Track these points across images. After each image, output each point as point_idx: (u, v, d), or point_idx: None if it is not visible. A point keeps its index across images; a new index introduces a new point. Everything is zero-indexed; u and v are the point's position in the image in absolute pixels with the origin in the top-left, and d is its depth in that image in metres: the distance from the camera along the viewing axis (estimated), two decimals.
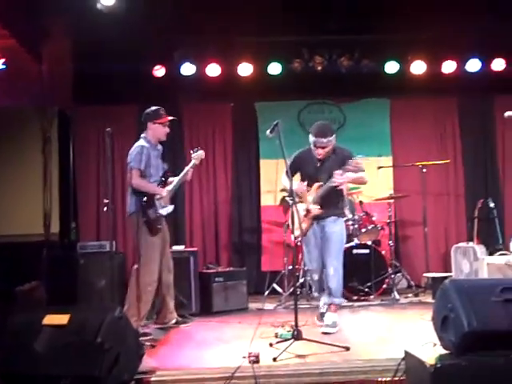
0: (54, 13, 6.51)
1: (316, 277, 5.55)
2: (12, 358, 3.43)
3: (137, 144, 5.49)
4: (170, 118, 5.58)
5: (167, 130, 5.58)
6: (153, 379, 3.70)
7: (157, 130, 5.52)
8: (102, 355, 3.29)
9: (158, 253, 5.42)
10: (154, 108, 5.58)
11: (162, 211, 5.43)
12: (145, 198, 5.33)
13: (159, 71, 7.95)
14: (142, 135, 5.57)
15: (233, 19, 6.91)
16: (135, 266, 5.41)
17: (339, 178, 5.24)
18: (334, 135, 5.35)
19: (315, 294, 5.80)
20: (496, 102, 8.48)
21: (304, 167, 5.43)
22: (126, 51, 7.25)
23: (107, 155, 5.17)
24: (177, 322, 5.65)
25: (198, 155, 5.72)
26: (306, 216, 5.39)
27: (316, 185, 5.40)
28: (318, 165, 5.42)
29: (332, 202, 5.45)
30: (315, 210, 5.34)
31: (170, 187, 5.58)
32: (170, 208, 5.57)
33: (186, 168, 5.68)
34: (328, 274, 5.39)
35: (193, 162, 5.70)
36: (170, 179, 5.66)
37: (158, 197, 5.40)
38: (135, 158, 5.36)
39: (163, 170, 5.59)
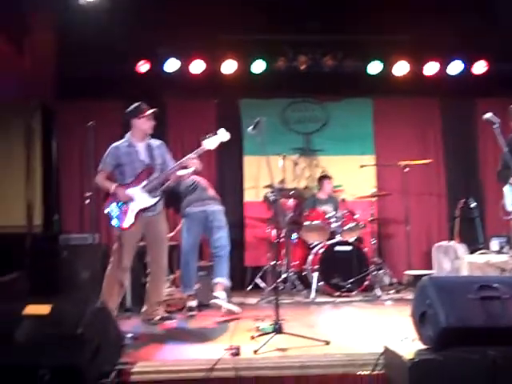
0: (37, 6, 6.49)
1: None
2: None
3: None
4: (152, 110, 5.51)
5: (152, 122, 5.53)
6: (134, 370, 3.70)
7: (142, 125, 5.47)
8: (83, 346, 3.27)
9: (122, 247, 5.36)
10: (134, 104, 5.52)
11: (133, 205, 5.34)
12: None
13: (143, 67, 7.95)
14: (127, 134, 5.54)
15: (218, 16, 6.92)
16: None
17: None
18: None
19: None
20: (477, 104, 8.58)
21: None
22: (110, 46, 7.23)
23: (89, 149, 5.17)
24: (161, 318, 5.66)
25: (213, 139, 5.48)
26: None
27: None
28: None
29: None
30: None
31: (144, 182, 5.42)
32: (147, 202, 5.39)
33: (189, 155, 5.45)
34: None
35: (201, 147, 5.47)
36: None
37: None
38: (102, 159, 5.45)
39: (144, 167, 5.45)
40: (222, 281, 5.90)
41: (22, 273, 6.35)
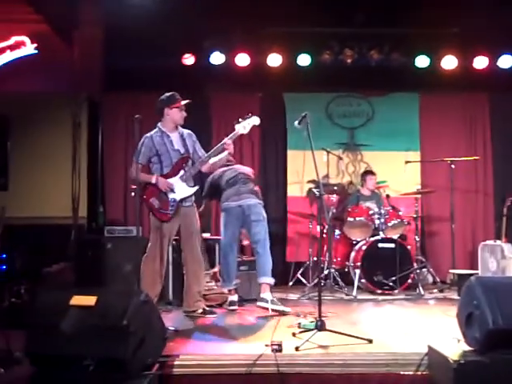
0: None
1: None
2: (39, 338, 3.47)
3: None
4: (185, 101, 5.49)
5: (184, 113, 5.51)
6: (176, 363, 3.73)
7: (174, 115, 5.48)
8: (127, 338, 3.30)
9: (163, 238, 5.38)
10: (168, 94, 5.53)
11: (174, 196, 5.38)
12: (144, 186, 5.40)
13: (189, 60, 7.98)
14: (158, 123, 5.55)
15: (263, 9, 6.91)
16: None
17: None
18: None
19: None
20: None
21: None
22: (156, 39, 7.28)
23: (135, 142, 5.23)
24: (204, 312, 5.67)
25: (245, 122, 5.48)
26: None
27: None
28: None
29: None
30: None
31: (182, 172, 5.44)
32: (186, 191, 5.43)
33: (224, 140, 5.45)
34: None
35: (235, 131, 5.47)
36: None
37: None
38: (137, 150, 5.38)
39: (180, 156, 5.48)
40: (268, 280, 5.79)
41: (68, 264, 6.46)
